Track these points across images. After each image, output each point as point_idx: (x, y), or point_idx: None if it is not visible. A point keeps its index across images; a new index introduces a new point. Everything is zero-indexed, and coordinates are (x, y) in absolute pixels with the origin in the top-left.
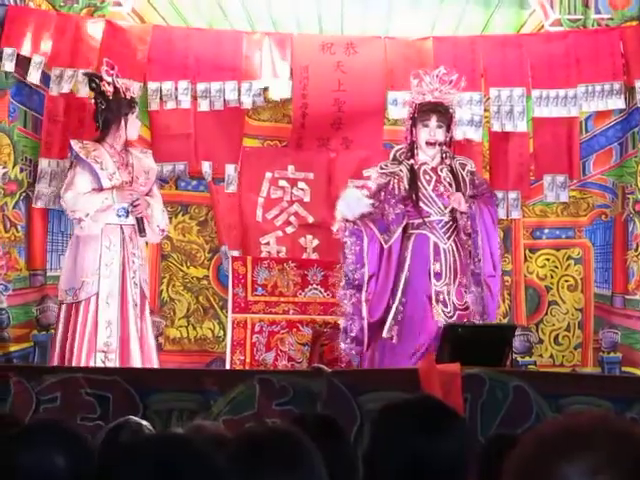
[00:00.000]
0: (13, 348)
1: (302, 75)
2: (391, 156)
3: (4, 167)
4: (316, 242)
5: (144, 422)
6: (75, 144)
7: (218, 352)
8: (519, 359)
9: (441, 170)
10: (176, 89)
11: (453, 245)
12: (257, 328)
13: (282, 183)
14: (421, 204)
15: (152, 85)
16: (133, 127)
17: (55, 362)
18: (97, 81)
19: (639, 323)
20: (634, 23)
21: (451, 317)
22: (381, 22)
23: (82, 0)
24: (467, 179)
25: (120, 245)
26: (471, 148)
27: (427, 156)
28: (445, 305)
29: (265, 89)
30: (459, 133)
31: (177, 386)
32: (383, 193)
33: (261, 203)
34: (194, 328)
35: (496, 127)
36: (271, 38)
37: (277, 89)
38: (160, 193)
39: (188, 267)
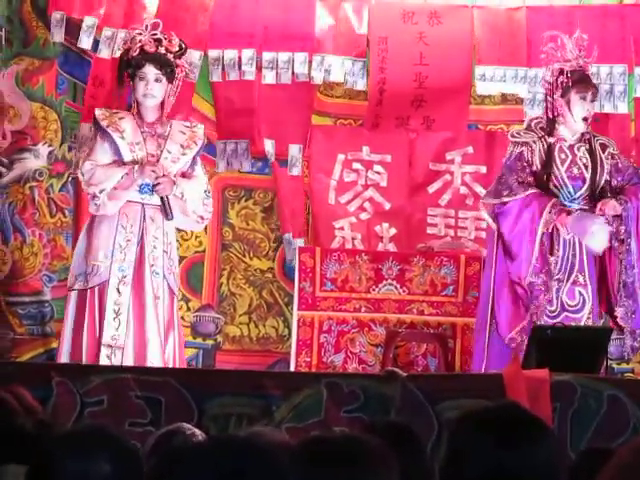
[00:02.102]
0: (57, 345)
1: (380, 47)
2: (525, 124)
3: (50, 145)
4: (393, 231)
5: (197, 431)
6: (99, 112)
7: (282, 353)
8: (615, 366)
9: (578, 149)
10: (239, 58)
11: (576, 238)
12: (325, 327)
13: (356, 166)
14: (551, 186)
15: (213, 53)
16: (139, 91)
17: (62, 358)
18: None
19: None
20: None
21: (555, 317)
22: None
23: None
24: (607, 163)
25: (139, 226)
26: None
27: (571, 132)
28: (550, 303)
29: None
30: None
31: (236, 389)
32: (521, 164)
33: (334, 186)
34: (256, 326)
35: (595, 107)
36: (347, 5)
37: (356, 77)
38: (211, 175)
39: (251, 258)
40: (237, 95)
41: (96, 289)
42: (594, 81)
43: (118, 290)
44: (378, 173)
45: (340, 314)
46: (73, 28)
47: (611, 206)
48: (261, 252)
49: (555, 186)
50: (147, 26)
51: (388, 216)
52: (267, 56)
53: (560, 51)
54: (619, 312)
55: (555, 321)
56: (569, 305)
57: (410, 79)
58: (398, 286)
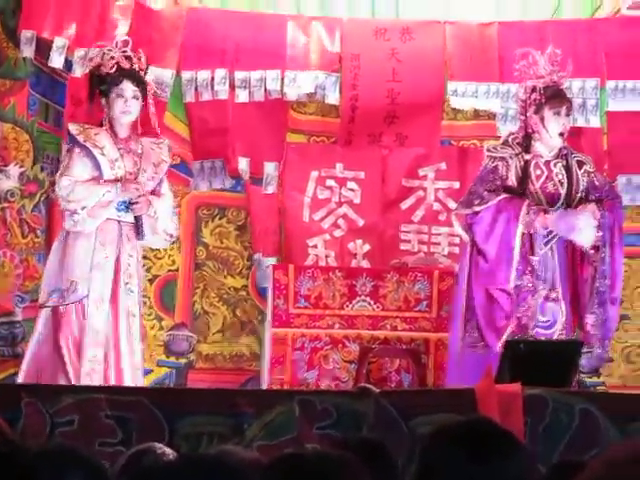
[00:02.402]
0: None
1: (353, 64)
2: (502, 139)
3: (21, 166)
4: (367, 247)
5: (168, 450)
6: (73, 127)
7: (255, 370)
8: (586, 379)
9: (554, 165)
10: (212, 79)
11: (549, 253)
12: (299, 344)
13: (330, 183)
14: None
15: (186, 74)
16: (117, 108)
17: (25, 376)
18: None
19: None
20: None
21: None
22: (440, 5)
23: None
24: (584, 180)
25: (116, 244)
26: None
27: (547, 148)
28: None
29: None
30: None
31: (208, 408)
32: (493, 177)
33: (307, 203)
34: (229, 344)
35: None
36: (318, 23)
37: (328, 91)
38: (171, 192)
39: (225, 276)
40: (211, 115)
41: (73, 306)
42: (568, 95)
43: (97, 307)
44: (352, 190)
45: (313, 331)
46: (44, 49)
47: (590, 209)
48: (235, 270)
49: (530, 200)
50: (117, 43)
51: (362, 233)
52: (239, 75)
53: (532, 68)
54: (589, 319)
55: (527, 336)
56: (540, 321)
57: (383, 95)
58: (372, 302)
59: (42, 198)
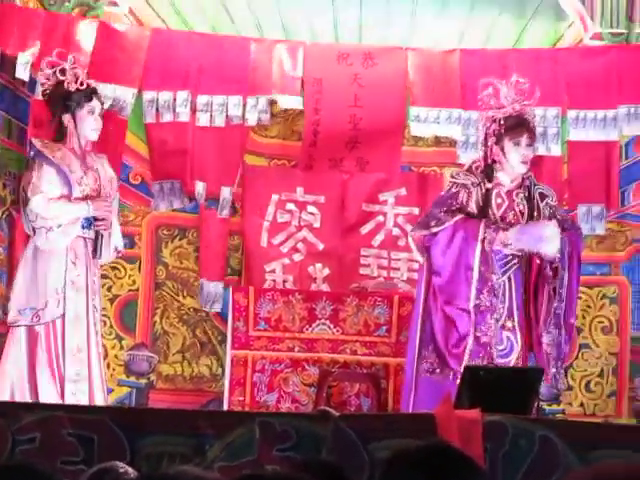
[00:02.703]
0: None
1: (315, 88)
2: (465, 167)
3: None
4: (327, 271)
5: (130, 469)
6: (37, 142)
7: (215, 392)
8: (546, 407)
9: (516, 195)
10: (174, 100)
11: (506, 282)
12: (259, 366)
13: (290, 206)
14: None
15: (148, 95)
16: (86, 124)
17: (6, 395)
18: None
19: None
20: None
21: (484, 361)
22: (403, 31)
23: None
24: (545, 212)
25: (84, 261)
26: None
27: (509, 178)
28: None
29: (273, 101)
30: None
31: (169, 428)
32: (452, 202)
33: (266, 227)
34: (189, 365)
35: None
36: (281, 46)
37: (287, 101)
38: (145, 213)
39: (184, 297)
40: (170, 136)
41: (50, 325)
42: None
43: (73, 326)
44: (312, 214)
45: (274, 353)
46: (8, 66)
47: (552, 222)
48: (194, 291)
49: (489, 229)
50: (77, 60)
51: (321, 257)
52: (202, 99)
53: (494, 98)
54: (546, 338)
55: (488, 356)
56: (498, 349)
57: (345, 120)
58: (332, 326)
59: (4, 215)
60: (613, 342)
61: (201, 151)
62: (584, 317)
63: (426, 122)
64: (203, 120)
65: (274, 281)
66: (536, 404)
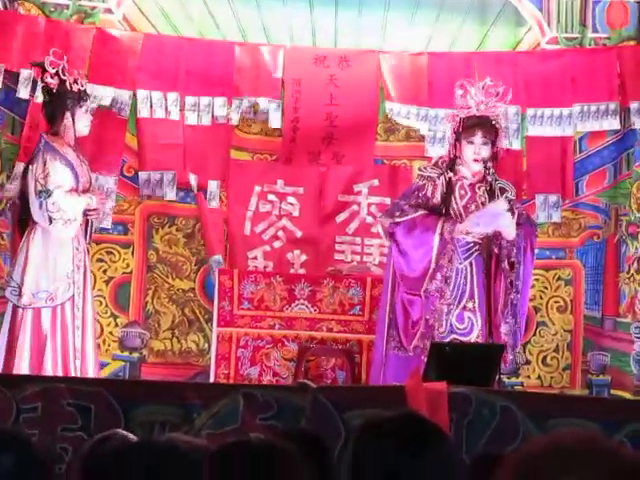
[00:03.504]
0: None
1: (294, 88)
2: (433, 161)
3: None
4: (304, 257)
5: (131, 435)
6: (47, 137)
7: (202, 365)
8: (505, 380)
9: (478, 188)
10: (165, 99)
11: (468, 267)
12: (242, 342)
13: (271, 197)
14: (447, 221)
15: (141, 93)
16: (82, 122)
17: (20, 371)
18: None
19: (629, 346)
20: (631, 43)
21: (444, 338)
22: (376, 36)
23: (72, 6)
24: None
25: (83, 246)
26: None
27: (470, 172)
28: (440, 325)
29: (255, 104)
30: None
31: (160, 399)
32: (418, 194)
33: (249, 216)
34: (179, 341)
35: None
36: (263, 50)
37: (272, 118)
38: (137, 202)
39: (174, 279)
40: (163, 131)
41: (58, 307)
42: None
43: (78, 308)
44: (291, 204)
45: (256, 331)
46: (12, 72)
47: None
48: (183, 274)
49: (452, 218)
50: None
51: (300, 243)
52: (189, 100)
53: (463, 98)
54: (503, 328)
55: (432, 337)
56: (458, 328)
57: (321, 118)
58: (309, 306)
59: (7, 205)
60: (568, 320)
61: (191, 147)
62: (541, 297)
63: (399, 116)
64: (191, 119)
65: (256, 267)
66: (497, 377)
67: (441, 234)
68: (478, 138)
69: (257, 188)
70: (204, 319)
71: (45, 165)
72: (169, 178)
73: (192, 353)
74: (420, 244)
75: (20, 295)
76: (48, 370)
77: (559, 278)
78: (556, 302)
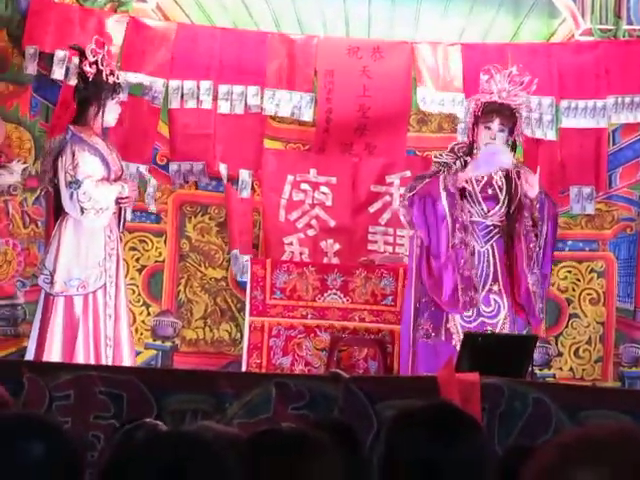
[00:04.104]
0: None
1: (327, 79)
2: (449, 147)
3: (24, 162)
4: (337, 246)
5: (160, 424)
6: (75, 128)
7: (234, 355)
8: (537, 371)
9: (495, 173)
10: (198, 88)
11: (490, 250)
12: (274, 332)
13: (304, 186)
14: (465, 203)
15: (173, 83)
16: (111, 113)
17: (53, 357)
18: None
19: None
20: None
21: (471, 322)
22: (409, 27)
23: None
24: (521, 189)
25: (116, 234)
26: None
27: None
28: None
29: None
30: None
31: (192, 388)
32: (429, 173)
33: (283, 204)
34: (211, 330)
35: (527, 132)
36: (297, 40)
37: (303, 110)
38: (170, 191)
39: (206, 268)
40: (194, 121)
41: (90, 295)
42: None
43: (110, 296)
44: (324, 193)
45: (288, 320)
46: (46, 56)
47: (532, 181)
48: (215, 262)
49: (470, 203)
50: (107, 53)
51: (333, 233)
52: (222, 88)
53: (486, 84)
54: (530, 279)
55: (471, 325)
56: (485, 311)
57: (354, 109)
58: (342, 295)
59: (42, 192)
60: (600, 312)
61: (222, 136)
62: (574, 289)
63: (433, 104)
64: (224, 108)
65: (292, 253)
66: (529, 369)
67: (445, 188)
68: (495, 125)
69: (290, 177)
70: (236, 308)
71: (74, 156)
72: (199, 169)
73: (224, 342)
74: (432, 206)
75: (52, 283)
76: (80, 358)
77: (592, 270)
78: (589, 294)
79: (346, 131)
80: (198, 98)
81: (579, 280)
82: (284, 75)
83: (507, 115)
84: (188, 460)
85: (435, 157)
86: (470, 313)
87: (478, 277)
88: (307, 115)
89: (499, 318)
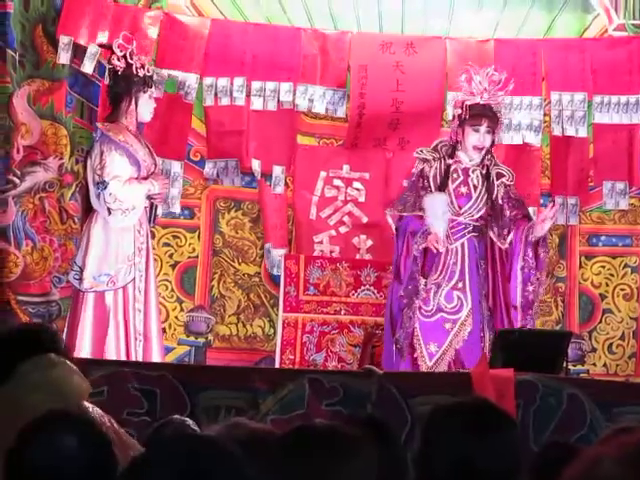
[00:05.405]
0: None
1: (360, 74)
2: (432, 145)
3: (60, 158)
4: (370, 242)
5: (189, 421)
6: (104, 126)
7: (268, 351)
8: (571, 367)
9: (472, 172)
10: (231, 85)
11: (459, 248)
12: (308, 328)
13: (337, 182)
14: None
15: (207, 80)
16: (145, 107)
17: (81, 354)
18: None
19: None
20: None
21: (430, 316)
22: (442, 22)
23: None
24: (499, 190)
25: (146, 228)
26: (530, 153)
27: (469, 158)
28: (426, 303)
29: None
30: (518, 137)
31: (226, 384)
32: (418, 179)
33: (315, 201)
34: (244, 326)
35: (557, 131)
36: (330, 36)
37: (336, 106)
38: (204, 187)
39: (239, 263)
40: (228, 118)
41: (121, 289)
42: (555, 108)
43: (139, 290)
44: (357, 189)
45: (321, 316)
46: (80, 52)
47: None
48: (249, 258)
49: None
50: (135, 43)
51: (365, 229)
52: (255, 84)
53: (468, 85)
54: (530, 287)
55: (430, 320)
56: (446, 307)
57: (387, 104)
58: (375, 291)
59: (78, 188)
60: (634, 308)
61: (256, 132)
62: (607, 285)
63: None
64: (257, 104)
65: (322, 252)
66: (564, 365)
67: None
68: (484, 127)
69: (323, 173)
70: (270, 304)
71: (102, 156)
72: (233, 165)
73: (257, 338)
74: (408, 242)
75: (81, 279)
76: (110, 353)
77: (625, 265)
78: (622, 289)
79: (379, 126)
80: (231, 95)
81: (612, 275)
82: (317, 71)
83: (492, 117)
84: (204, 467)
85: (417, 153)
86: (430, 307)
87: (443, 274)
88: (340, 111)
89: (461, 314)
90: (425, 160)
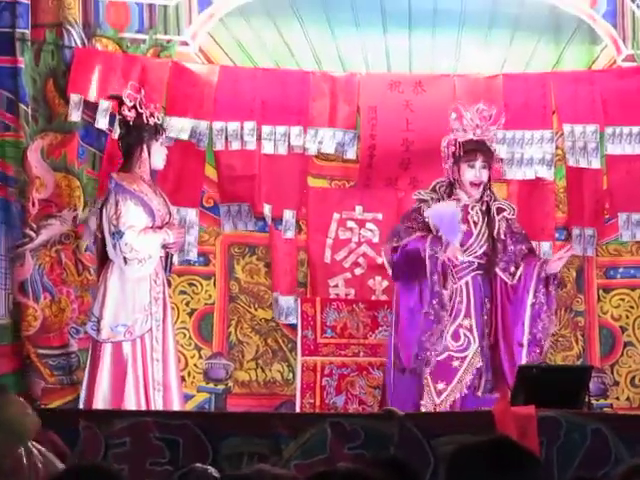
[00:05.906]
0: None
1: (370, 115)
2: (431, 186)
3: (74, 210)
4: (385, 283)
5: (211, 469)
6: (118, 176)
7: (287, 395)
8: (594, 402)
9: (472, 208)
10: (242, 129)
11: (464, 286)
12: (327, 371)
13: (350, 224)
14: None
15: (217, 125)
16: (158, 155)
17: (100, 405)
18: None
19: None
20: None
21: (438, 355)
22: (449, 59)
23: (149, 40)
24: (500, 225)
25: (162, 278)
26: (543, 187)
27: (467, 195)
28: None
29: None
30: (531, 172)
31: (247, 430)
32: (415, 216)
33: (330, 244)
34: (263, 371)
35: (571, 162)
36: (339, 77)
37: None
38: (217, 233)
39: (256, 309)
40: (239, 162)
41: (138, 339)
42: (568, 140)
43: (157, 340)
44: (370, 230)
45: (340, 359)
46: (91, 104)
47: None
48: (265, 303)
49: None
50: (143, 92)
51: (380, 270)
52: (266, 129)
53: (459, 122)
54: (539, 325)
55: (438, 359)
56: (453, 345)
57: (398, 144)
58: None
59: (93, 239)
60: None
61: (266, 176)
62: (627, 317)
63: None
64: (268, 148)
65: (337, 295)
66: (586, 399)
67: (431, 256)
68: (479, 162)
69: (336, 215)
70: (288, 348)
71: (117, 206)
72: (246, 209)
73: (277, 383)
74: (414, 267)
75: (99, 330)
76: (129, 404)
77: None
78: None
79: (390, 166)
80: (242, 139)
81: (632, 307)
82: (326, 113)
83: (486, 151)
84: None
85: (415, 195)
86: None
87: (448, 312)
88: (351, 152)
89: (468, 352)
90: (423, 200)
